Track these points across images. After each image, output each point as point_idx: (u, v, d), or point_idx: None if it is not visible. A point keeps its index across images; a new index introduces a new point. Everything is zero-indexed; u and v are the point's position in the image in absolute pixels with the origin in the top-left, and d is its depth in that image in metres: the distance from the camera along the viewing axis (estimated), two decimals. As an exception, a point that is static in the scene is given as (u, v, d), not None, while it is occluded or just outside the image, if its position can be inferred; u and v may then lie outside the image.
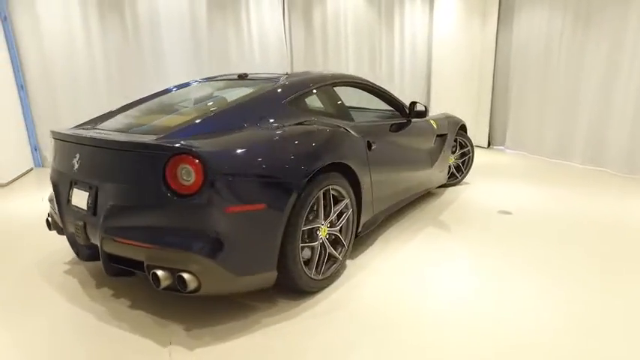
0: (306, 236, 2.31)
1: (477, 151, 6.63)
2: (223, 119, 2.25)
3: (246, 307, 2.30)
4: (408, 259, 2.90)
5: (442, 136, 4.15)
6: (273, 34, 6.76)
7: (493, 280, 2.60)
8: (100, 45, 5.86)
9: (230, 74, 3.32)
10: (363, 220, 2.83)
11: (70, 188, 2.32)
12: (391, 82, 7.67)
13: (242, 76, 3.08)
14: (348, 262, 2.84)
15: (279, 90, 2.60)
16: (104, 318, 2.20)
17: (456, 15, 7.15)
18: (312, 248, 2.36)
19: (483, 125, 7.44)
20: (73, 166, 2.28)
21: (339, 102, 2.97)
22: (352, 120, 2.93)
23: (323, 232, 2.42)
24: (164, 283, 1.95)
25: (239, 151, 2.02)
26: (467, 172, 4.82)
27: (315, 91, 2.83)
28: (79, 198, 2.24)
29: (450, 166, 4.58)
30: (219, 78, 3.36)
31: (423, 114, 3.58)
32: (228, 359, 1.89)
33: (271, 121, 2.39)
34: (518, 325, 2.11)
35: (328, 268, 2.50)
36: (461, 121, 4.63)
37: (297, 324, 2.14)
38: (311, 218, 2.33)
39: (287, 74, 2.99)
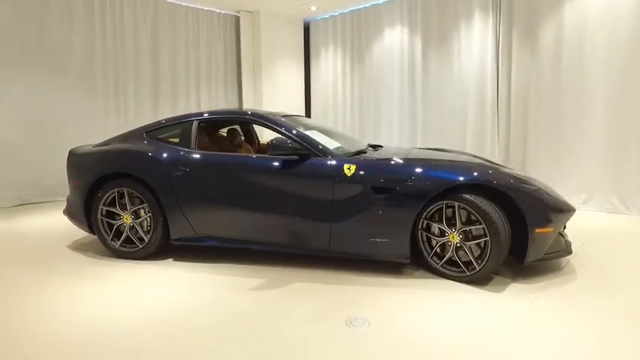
0: (105, 213, 3.62)
1: None
2: (113, 139, 3.93)
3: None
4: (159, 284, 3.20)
5: (388, 191, 3.09)
6: (483, 64, 5.94)
7: None
8: (350, 83, 7.80)
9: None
10: (176, 231, 3.48)
11: None
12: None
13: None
14: (171, 260, 3.58)
15: (151, 124, 3.87)
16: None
17: None
18: (114, 225, 3.62)
19: None
20: None
21: (190, 134, 3.59)
22: (192, 149, 3.53)
23: (126, 219, 3.58)
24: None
25: (81, 152, 3.84)
26: (484, 265, 2.94)
27: (170, 125, 3.75)
28: None
29: (451, 248, 3.08)
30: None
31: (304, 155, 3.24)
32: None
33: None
34: None
35: (132, 248, 3.60)
36: (462, 175, 2.94)
37: (88, 269, 3.60)
38: (115, 205, 3.60)
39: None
